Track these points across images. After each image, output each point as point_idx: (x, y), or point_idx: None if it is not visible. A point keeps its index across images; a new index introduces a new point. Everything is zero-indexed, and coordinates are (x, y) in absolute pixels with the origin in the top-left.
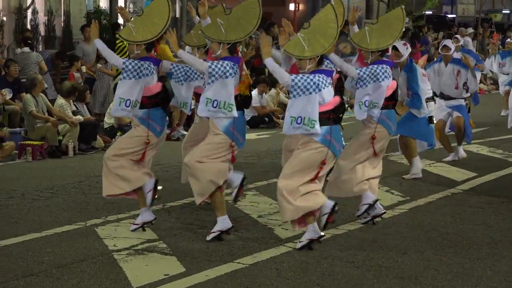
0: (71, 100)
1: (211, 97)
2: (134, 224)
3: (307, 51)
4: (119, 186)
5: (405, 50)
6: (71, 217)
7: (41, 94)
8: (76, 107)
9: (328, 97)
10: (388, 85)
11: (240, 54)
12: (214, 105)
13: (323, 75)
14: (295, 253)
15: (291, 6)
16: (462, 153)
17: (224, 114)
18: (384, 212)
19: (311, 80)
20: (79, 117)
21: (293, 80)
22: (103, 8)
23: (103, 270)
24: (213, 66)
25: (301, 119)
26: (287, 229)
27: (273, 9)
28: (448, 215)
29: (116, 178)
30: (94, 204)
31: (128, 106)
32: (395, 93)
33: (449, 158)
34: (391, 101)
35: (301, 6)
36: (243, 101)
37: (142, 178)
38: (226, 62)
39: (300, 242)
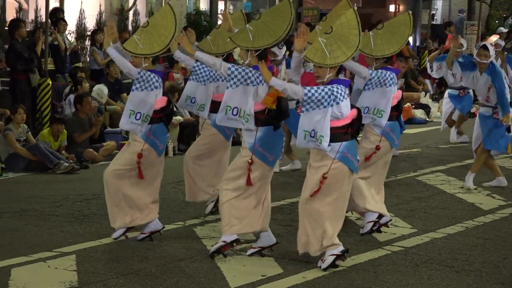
0: None
1: (230, 104)
2: (141, 234)
3: (329, 59)
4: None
5: (493, 51)
6: (170, 216)
7: None
8: (176, 107)
9: (346, 110)
10: (394, 93)
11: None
12: (234, 113)
13: (341, 86)
14: (393, 256)
15: (391, 8)
16: None
17: (242, 124)
18: (390, 220)
19: (329, 90)
20: (179, 117)
21: (306, 95)
22: (204, 9)
23: (201, 269)
24: (233, 69)
25: (314, 132)
26: (385, 232)
27: (373, 10)
28: None
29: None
30: (193, 204)
31: (138, 120)
32: (399, 103)
33: None
34: (395, 112)
35: (401, 7)
36: (272, 116)
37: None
38: (250, 69)
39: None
